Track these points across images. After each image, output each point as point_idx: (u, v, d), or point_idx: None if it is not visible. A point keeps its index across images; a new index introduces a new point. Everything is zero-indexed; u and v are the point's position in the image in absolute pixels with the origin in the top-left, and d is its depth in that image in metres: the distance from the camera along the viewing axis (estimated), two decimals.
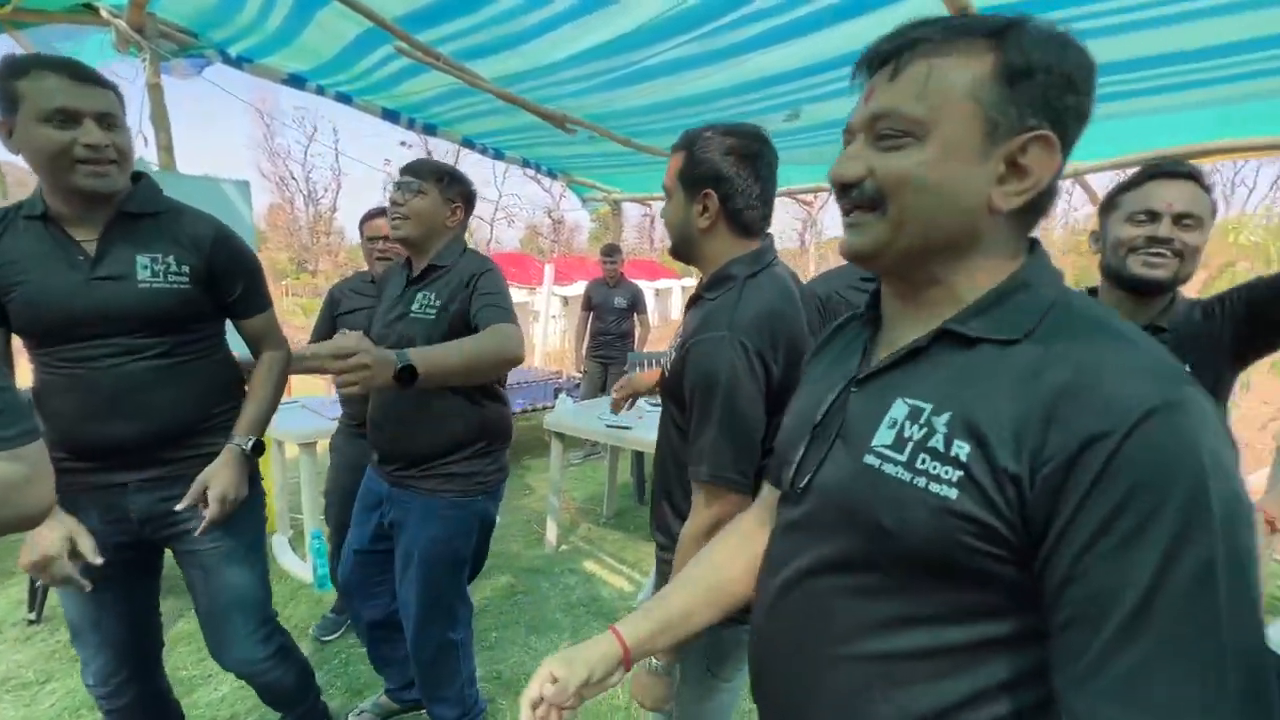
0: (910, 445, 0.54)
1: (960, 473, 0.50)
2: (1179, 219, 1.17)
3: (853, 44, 2.00)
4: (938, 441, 0.52)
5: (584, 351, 4.72)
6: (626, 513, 3.90)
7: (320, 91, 2.91)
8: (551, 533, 3.36)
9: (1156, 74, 2.06)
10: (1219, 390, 1.24)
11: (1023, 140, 0.53)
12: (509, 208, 23.65)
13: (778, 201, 1.49)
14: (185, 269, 1.28)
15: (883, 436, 0.56)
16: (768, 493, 0.83)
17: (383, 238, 2.17)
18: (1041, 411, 0.47)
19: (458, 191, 1.61)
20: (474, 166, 34.64)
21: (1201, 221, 1.18)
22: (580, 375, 4.89)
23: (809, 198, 9.00)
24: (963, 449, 0.50)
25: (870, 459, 0.57)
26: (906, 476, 0.53)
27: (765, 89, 2.48)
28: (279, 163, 27.82)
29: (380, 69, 2.64)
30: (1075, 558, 0.45)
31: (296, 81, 2.80)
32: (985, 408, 0.50)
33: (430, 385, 1.22)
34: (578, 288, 9.68)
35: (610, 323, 4.59)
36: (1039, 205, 0.57)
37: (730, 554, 0.82)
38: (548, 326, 10.30)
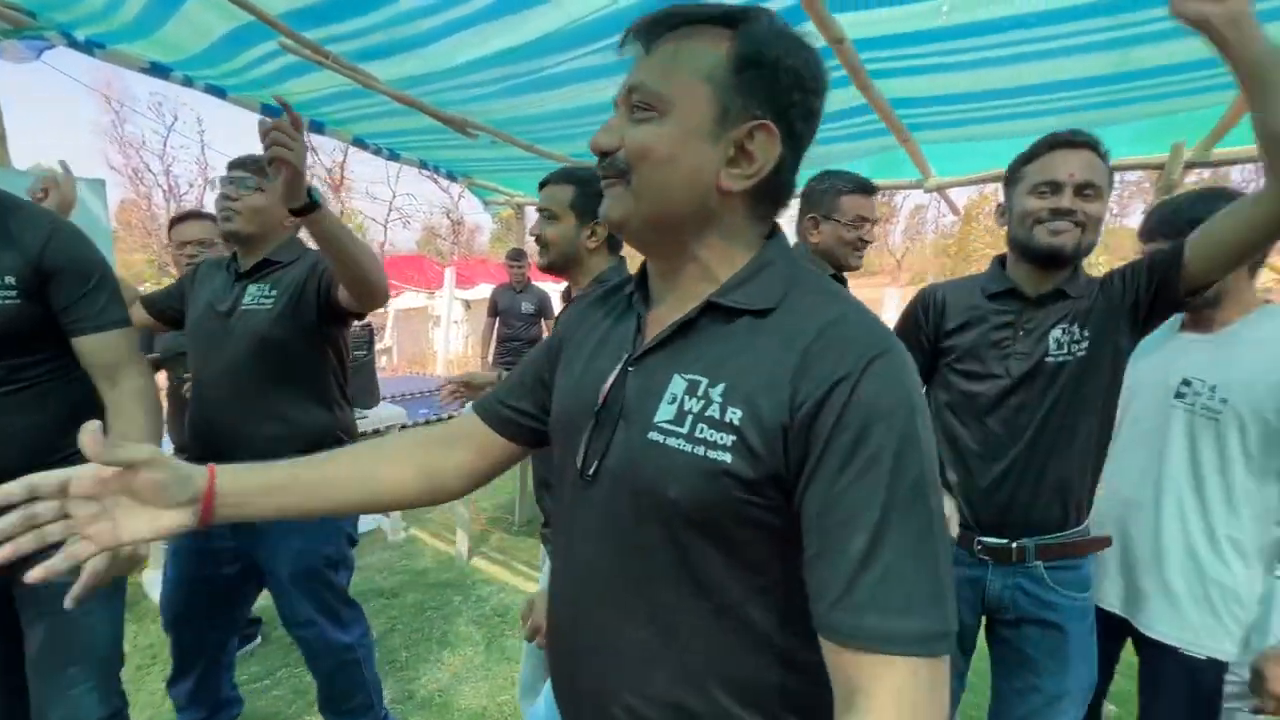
0: (690, 418, 0.57)
1: (734, 437, 0.55)
2: (1080, 189, 1.19)
3: None
4: (714, 410, 0.56)
5: (491, 358, 4.64)
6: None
7: (188, 83, 2.66)
8: (462, 544, 3.29)
9: (1007, 103, 2.37)
10: (1117, 360, 1.24)
11: (748, 127, 0.57)
12: (403, 208, 22.45)
13: None
14: (11, 279, 1.12)
15: (664, 412, 0.59)
16: (471, 424, 0.82)
17: (194, 242, 2.02)
18: (796, 366, 0.54)
19: None
20: (365, 164, 32.70)
21: (1101, 191, 1.21)
22: None
23: None
24: (736, 414, 0.55)
25: (654, 435, 0.59)
26: (687, 447, 0.56)
27: None
28: (132, 154, 24.82)
29: (261, 65, 2.46)
30: (825, 487, 0.52)
31: (159, 71, 2.54)
32: (752, 372, 0.56)
33: (322, 226, 1.24)
34: (481, 291, 9.43)
35: (518, 328, 4.55)
36: (772, 195, 0.62)
37: (389, 455, 0.79)
38: (450, 332, 9.96)
